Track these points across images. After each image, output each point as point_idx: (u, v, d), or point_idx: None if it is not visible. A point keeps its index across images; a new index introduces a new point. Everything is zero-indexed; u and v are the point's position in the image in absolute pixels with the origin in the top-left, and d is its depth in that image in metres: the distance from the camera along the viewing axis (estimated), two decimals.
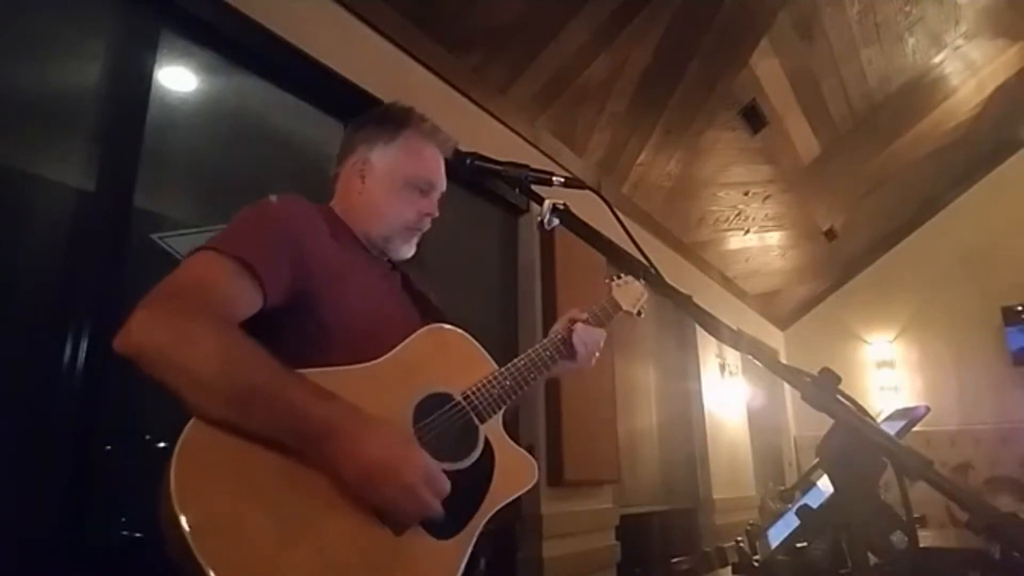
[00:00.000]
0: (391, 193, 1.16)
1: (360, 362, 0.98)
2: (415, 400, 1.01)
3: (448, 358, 1.11)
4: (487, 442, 1.06)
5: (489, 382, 1.10)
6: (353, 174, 1.18)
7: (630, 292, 1.46)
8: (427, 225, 1.20)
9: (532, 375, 1.17)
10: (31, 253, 1.52)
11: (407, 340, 1.05)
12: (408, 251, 1.21)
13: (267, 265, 0.94)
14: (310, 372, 0.89)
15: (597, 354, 1.34)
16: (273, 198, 1.06)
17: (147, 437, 1.58)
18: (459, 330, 1.14)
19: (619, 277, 1.46)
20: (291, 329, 0.98)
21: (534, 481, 1.10)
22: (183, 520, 0.73)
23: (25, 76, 1.55)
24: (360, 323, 1.03)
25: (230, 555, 0.75)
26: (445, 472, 0.92)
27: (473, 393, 1.07)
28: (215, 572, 0.72)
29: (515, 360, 1.16)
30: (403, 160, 1.17)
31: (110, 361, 1.54)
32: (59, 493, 1.42)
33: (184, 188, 1.89)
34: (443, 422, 1.01)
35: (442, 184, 1.21)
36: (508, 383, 1.12)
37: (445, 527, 0.93)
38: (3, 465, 1.38)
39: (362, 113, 1.25)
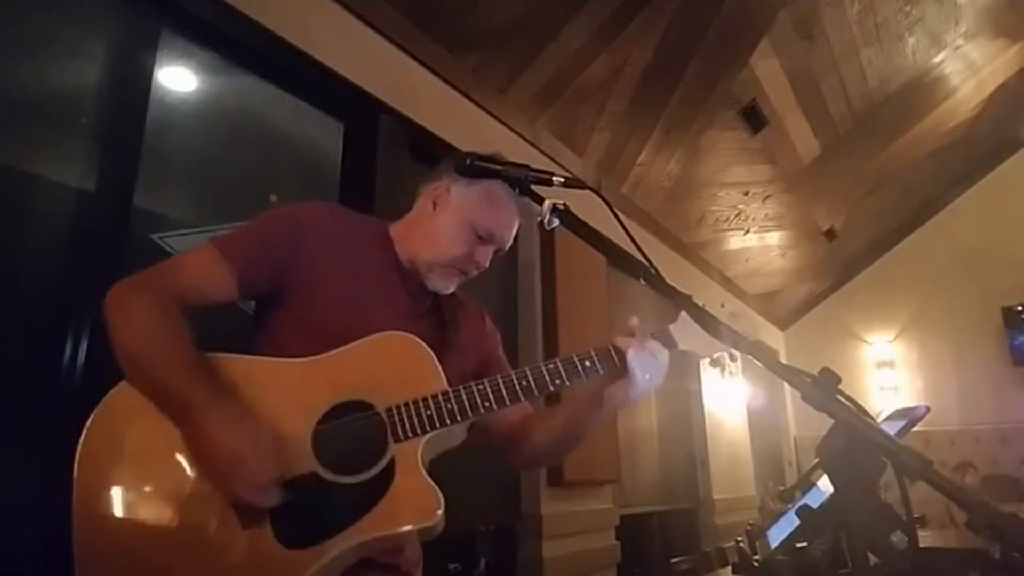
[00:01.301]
0: (454, 227, 1.15)
1: (313, 350, 1.02)
2: (331, 403, 0.98)
3: (394, 369, 1.03)
4: (391, 464, 0.96)
5: (423, 400, 1.00)
6: (428, 197, 1.19)
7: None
8: (473, 272, 1.18)
9: (489, 403, 1.03)
10: (31, 253, 1.52)
11: (359, 341, 1.02)
12: (446, 287, 1.17)
13: (246, 261, 1.04)
14: (234, 357, 1.00)
15: (659, 379, 1.11)
16: (294, 207, 1.15)
17: None
18: (421, 344, 1.05)
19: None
20: (273, 318, 1.09)
21: (430, 522, 0.95)
22: (77, 459, 0.92)
23: (25, 76, 1.55)
24: (332, 332, 1.03)
25: (96, 501, 0.90)
26: (324, 482, 0.92)
27: (400, 409, 0.99)
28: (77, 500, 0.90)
29: (472, 383, 1.04)
30: (478, 202, 1.15)
31: (110, 361, 1.54)
32: (59, 493, 1.42)
33: (184, 188, 1.89)
34: (346, 430, 0.97)
35: (505, 243, 1.18)
36: (448, 407, 1.01)
37: (298, 536, 0.90)
38: (3, 465, 1.38)
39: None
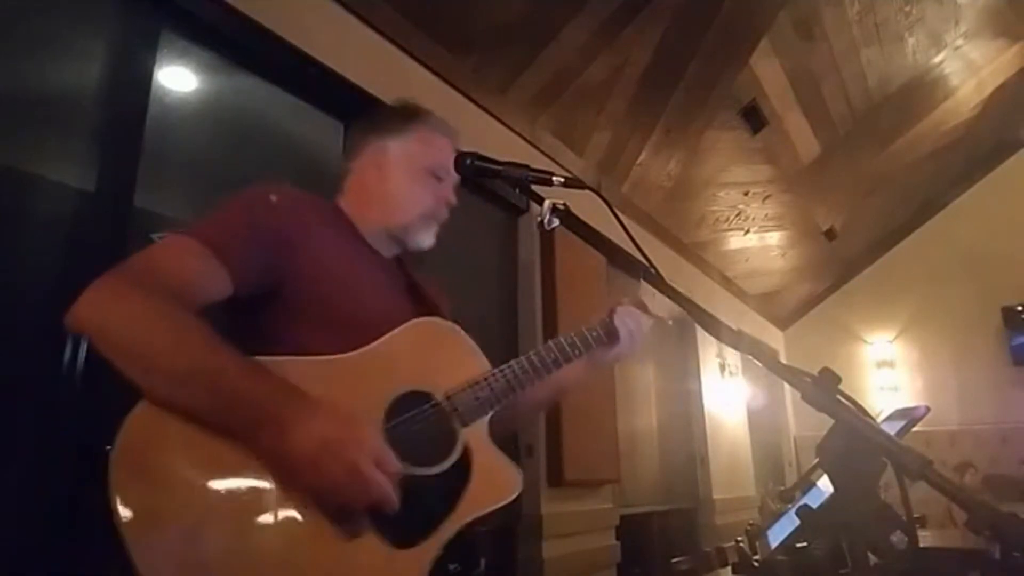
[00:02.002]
0: (410, 180, 1.15)
1: (328, 344, 0.94)
2: (390, 397, 0.96)
3: (436, 354, 1.04)
4: (466, 448, 0.99)
5: (478, 383, 1.03)
6: (368, 166, 1.16)
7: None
8: (445, 214, 1.18)
9: (529, 378, 1.10)
10: (31, 253, 1.52)
11: (394, 331, 1.00)
12: (428, 240, 1.18)
13: (237, 250, 0.92)
14: (282, 360, 0.89)
15: (640, 340, 1.26)
16: (259, 187, 1.03)
17: None
18: (453, 325, 1.09)
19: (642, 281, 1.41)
20: (271, 315, 0.98)
21: (515, 493, 1.01)
22: (120, 509, 0.74)
23: (25, 76, 1.55)
24: (344, 314, 1.00)
25: (159, 557, 0.74)
26: (414, 477, 0.89)
27: (457, 394, 1.01)
28: (136, 554, 0.73)
29: (512, 362, 1.09)
30: (419, 148, 1.17)
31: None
32: (59, 493, 1.42)
33: (184, 188, 1.89)
34: (417, 422, 0.96)
35: (455, 175, 1.19)
36: (500, 386, 1.05)
37: (405, 535, 0.88)
38: (3, 465, 1.38)
39: (362, 113, 1.25)
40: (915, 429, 1.84)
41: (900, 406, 2.62)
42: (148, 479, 0.78)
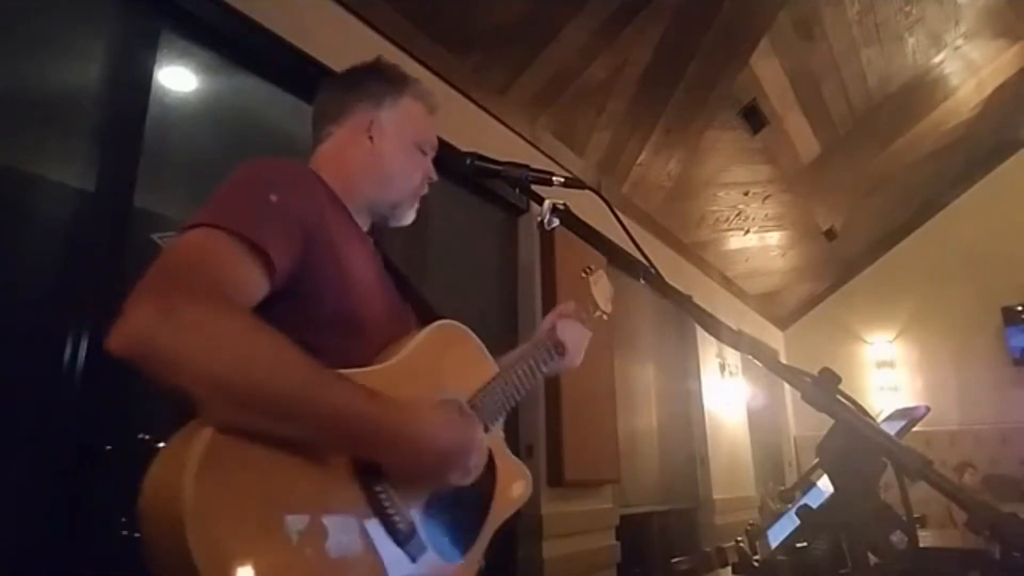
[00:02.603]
0: (401, 154, 1.08)
1: (348, 347, 0.89)
2: None
3: (454, 358, 1.05)
4: (489, 454, 0.98)
5: (492, 388, 1.04)
6: (358, 133, 1.06)
7: (603, 289, 1.41)
8: (426, 189, 1.13)
9: (529, 379, 1.13)
10: (31, 253, 1.52)
11: (418, 336, 0.98)
12: (411, 216, 1.13)
13: (273, 242, 0.80)
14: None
15: (583, 349, 1.30)
16: (264, 162, 0.93)
17: (147, 437, 1.58)
18: (462, 327, 1.09)
19: (589, 271, 1.41)
20: (280, 311, 0.82)
21: (528, 493, 1.07)
22: (196, 557, 0.62)
23: (25, 76, 1.55)
24: (361, 301, 0.95)
25: None
26: (453, 491, 0.90)
27: (478, 400, 1.01)
28: None
29: (511, 363, 1.12)
30: (410, 120, 1.10)
31: (110, 361, 1.54)
32: (59, 493, 1.42)
33: (184, 188, 1.89)
34: None
35: (436, 147, 1.16)
36: (510, 390, 1.07)
37: (455, 549, 0.91)
38: (3, 465, 1.38)
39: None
40: (915, 429, 1.84)
41: (900, 406, 2.62)
42: (232, 522, 0.67)
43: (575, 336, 1.28)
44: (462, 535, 0.92)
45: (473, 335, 1.10)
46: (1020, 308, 5.96)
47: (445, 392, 0.97)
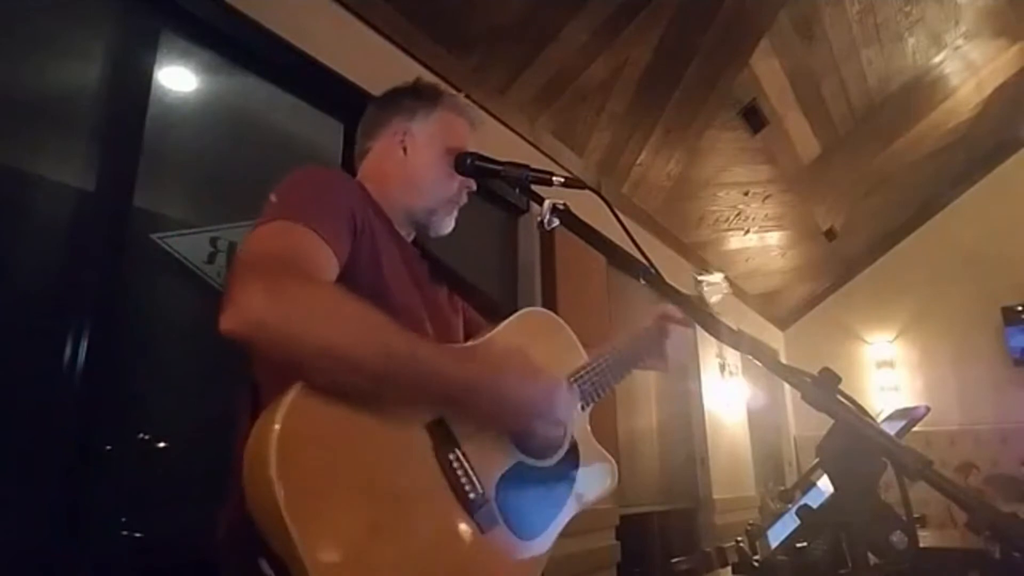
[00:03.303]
0: (435, 164, 1.11)
1: None
2: None
3: (544, 345, 1.06)
4: (573, 440, 1.02)
5: (581, 376, 1.06)
6: (393, 145, 1.12)
7: (715, 291, 1.44)
8: (465, 199, 1.16)
9: (620, 373, 1.15)
10: (31, 253, 1.52)
11: (509, 319, 1.04)
12: (449, 225, 1.16)
13: (335, 233, 0.89)
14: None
15: (681, 354, 1.32)
16: (312, 166, 1.02)
17: (147, 437, 1.59)
18: (555, 316, 1.12)
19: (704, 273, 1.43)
20: None
21: (614, 484, 1.07)
22: (278, 489, 0.67)
23: (25, 76, 1.55)
24: (397, 299, 0.98)
25: (321, 534, 0.70)
26: (533, 468, 0.92)
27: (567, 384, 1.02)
28: (304, 547, 0.67)
29: (603, 355, 1.13)
30: (444, 130, 1.13)
31: (110, 361, 1.55)
32: (59, 493, 1.42)
33: (184, 188, 1.89)
34: None
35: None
36: (599, 380, 1.09)
37: (530, 527, 0.92)
38: (3, 465, 1.38)
39: (363, 110, 1.22)
40: (915, 429, 1.84)
41: (900, 406, 2.62)
42: (312, 463, 0.73)
43: (678, 343, 1.28)
44: (538, 515, 0.92)
45: (565, 325, 1.13)
46: (1020, 308, 5.96)
47: None
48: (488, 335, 1.01)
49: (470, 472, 0.85)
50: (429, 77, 2.58)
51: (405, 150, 1.11)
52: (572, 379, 1.05)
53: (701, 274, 1.38)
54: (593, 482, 1.04)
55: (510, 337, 1.03)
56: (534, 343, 1.03)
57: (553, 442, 0.96)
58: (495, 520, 0.87)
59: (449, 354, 0.87)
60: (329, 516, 0.71)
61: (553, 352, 1.07)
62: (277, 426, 0.70)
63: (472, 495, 0.85)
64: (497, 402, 0.87)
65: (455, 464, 0.84)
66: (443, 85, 1.21)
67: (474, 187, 1.16)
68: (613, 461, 1.09)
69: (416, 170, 1.11)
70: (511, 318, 1.05)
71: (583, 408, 1.06)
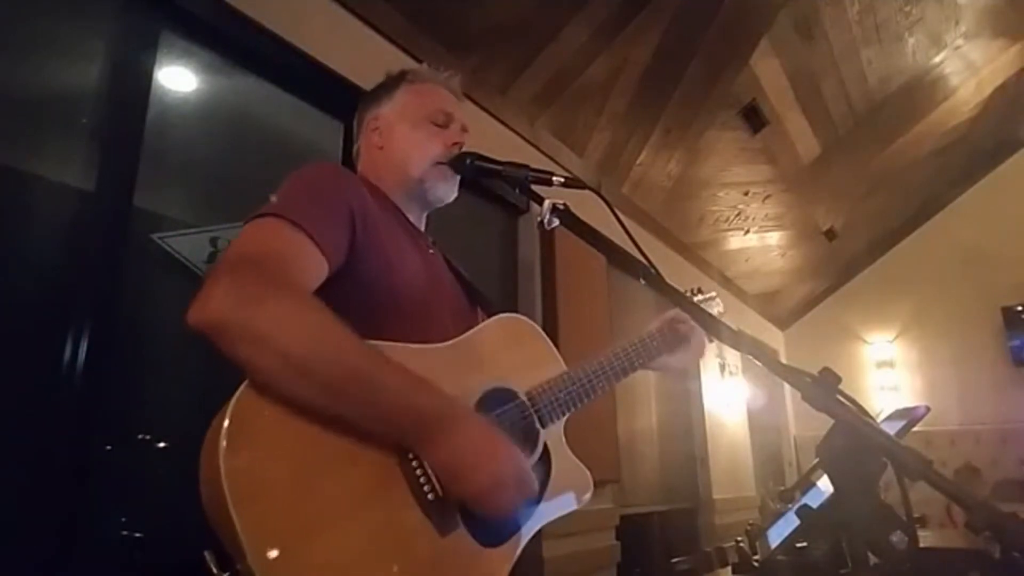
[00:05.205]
0: (409, 134, 1.12)
1: (410, 333, 0.92)
2: (480, 391, 0.95)
3: (518, 351, 1.05)
4: (545, 449, 1.00)
5: (557, 385, 1.05)
6: (369, 135, 1.16)
7: (709, 307, 1.38)
8: (456, 151, 1.13)
9: (603, 383, 1.12)
10: (31, 253, 1.52)
11: (481, 325, 1.03)
12: (448, 190, 1.15)
13: (327, 231, 0.88)
14: (381, 345, 0.85)
15: (703, 352, 1.31)
16: (318, 165, 1.04)
17: (147, 437, 1.59)
18: (533, 324, 1.10)
19: (698, 292, 1.40)
20: (340, 296, 0.88)
21: (588, 496, 1.06)
22: (224, 480, 0.68)
23: (25, 76, 1.55)
24: (410, 293, 0.99)
25: (265, 522, 0.69)
26: None
27: (538, 394, 1.02)
28: (246, 535, 0.67)
29: (585, 364, 1.11)
30: (412, 101, 1.15)
31: (110, 361, 1.55)
32: (59, 493, 1.42)
33: (184, 188, 1.89)
34: (504, 420, 0.95)
35: (460, 114, 1.18)
36: (577, 389, 1.07)
37: (494, 534, 0.89)
38: (3, 465, 1.38)
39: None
40: (915, 429, 1.84)
41: (900, 406, 2.62)
42: (262, 453, 0.73)
43: (699, 336, 1.28)
44: (502, 523, 0.89)
45: (544, 336, 1.11)
46: (1020, 308, 5.96)
47: (502, 382, 0.98)
48: (462, 336, 0.99)
49: (429, 472, 0.82)
50: None
51: (379, 133, 1.15)
52: (543, 387, 1.03)
53: (695, 294, 1.38)
54: (566, 492, 1.02)
55: (485, 340, 1.01)
56: (507, 349, 1.03)
57: (487, 501, 0.84)
58: (455, 524, 0.84)
59: (414, 382, 0.81)
60: (276, 511, 0.71)
61: (527, 360, 1.05)
62: (227, 421, 0.71)
63: (431, 496, 0.82)
64: (446, 445, 0.81)
65: (414, 463, 0.82)
66: (413, 66, 1.23)
67: (463, 142, 1.15)
68: (589, 474, 1.08)
69: (393, 147, 1.13)
70: (489, 321, 1.04)
71: (556, 419, 1.04)
